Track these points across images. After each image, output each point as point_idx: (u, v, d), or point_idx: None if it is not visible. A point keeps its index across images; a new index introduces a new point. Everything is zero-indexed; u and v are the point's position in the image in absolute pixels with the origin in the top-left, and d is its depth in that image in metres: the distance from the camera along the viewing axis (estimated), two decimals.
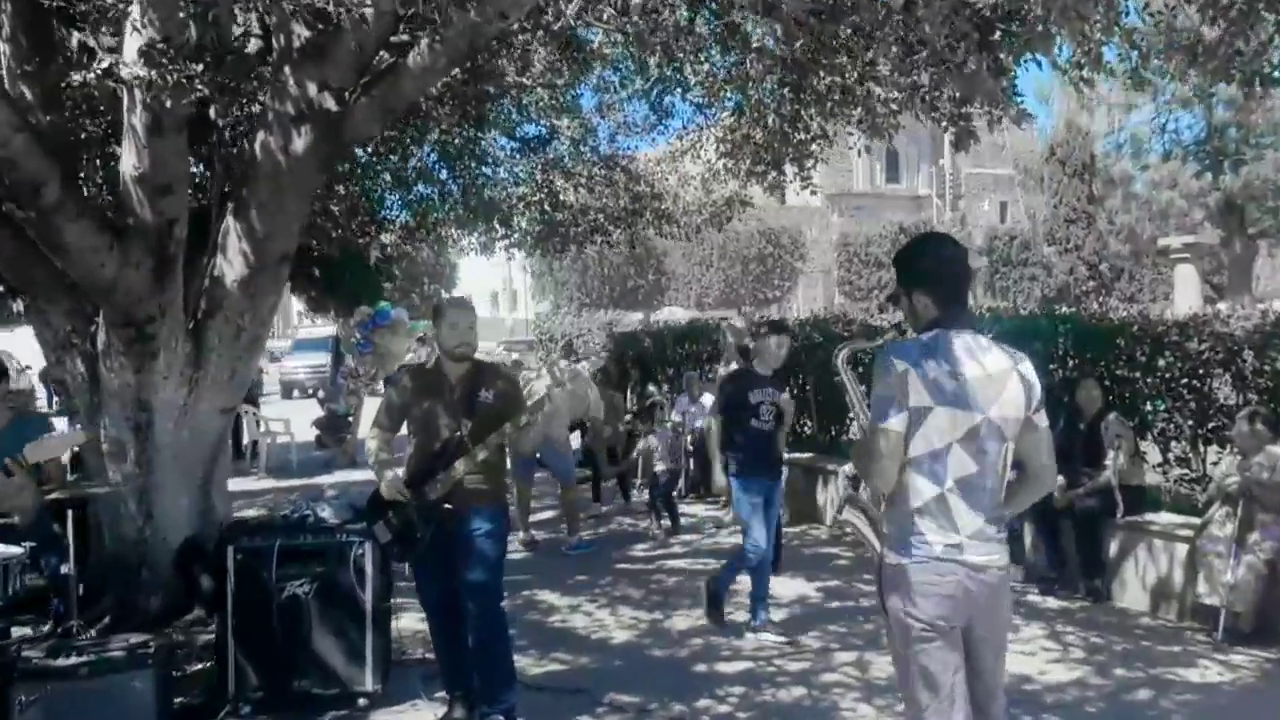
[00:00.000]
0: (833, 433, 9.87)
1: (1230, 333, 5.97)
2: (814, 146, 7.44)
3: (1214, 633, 5.30)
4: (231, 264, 5.24)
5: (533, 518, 7.99)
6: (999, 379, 2.54)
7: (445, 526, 3.95)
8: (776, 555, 6.80)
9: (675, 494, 8.98)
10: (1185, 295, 17.05)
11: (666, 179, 9.48)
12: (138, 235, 4.86)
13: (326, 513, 4.55)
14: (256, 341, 5.55)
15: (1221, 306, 7.77)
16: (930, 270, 2.64)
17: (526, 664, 4.91)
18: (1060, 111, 29.50)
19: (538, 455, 7.77)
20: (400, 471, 4.04)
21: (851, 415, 3.11)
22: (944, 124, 6.33)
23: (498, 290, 48.47)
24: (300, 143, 4.91)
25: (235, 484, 7.39)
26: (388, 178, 8.89)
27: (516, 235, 10.42)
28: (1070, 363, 7.06)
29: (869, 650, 5.03)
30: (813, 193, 7.84)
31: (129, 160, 4.72)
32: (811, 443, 9.64)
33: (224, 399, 5.50)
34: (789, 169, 7.77)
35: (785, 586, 6.36)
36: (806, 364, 9.51)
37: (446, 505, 3.94)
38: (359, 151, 7.92)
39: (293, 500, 5.49)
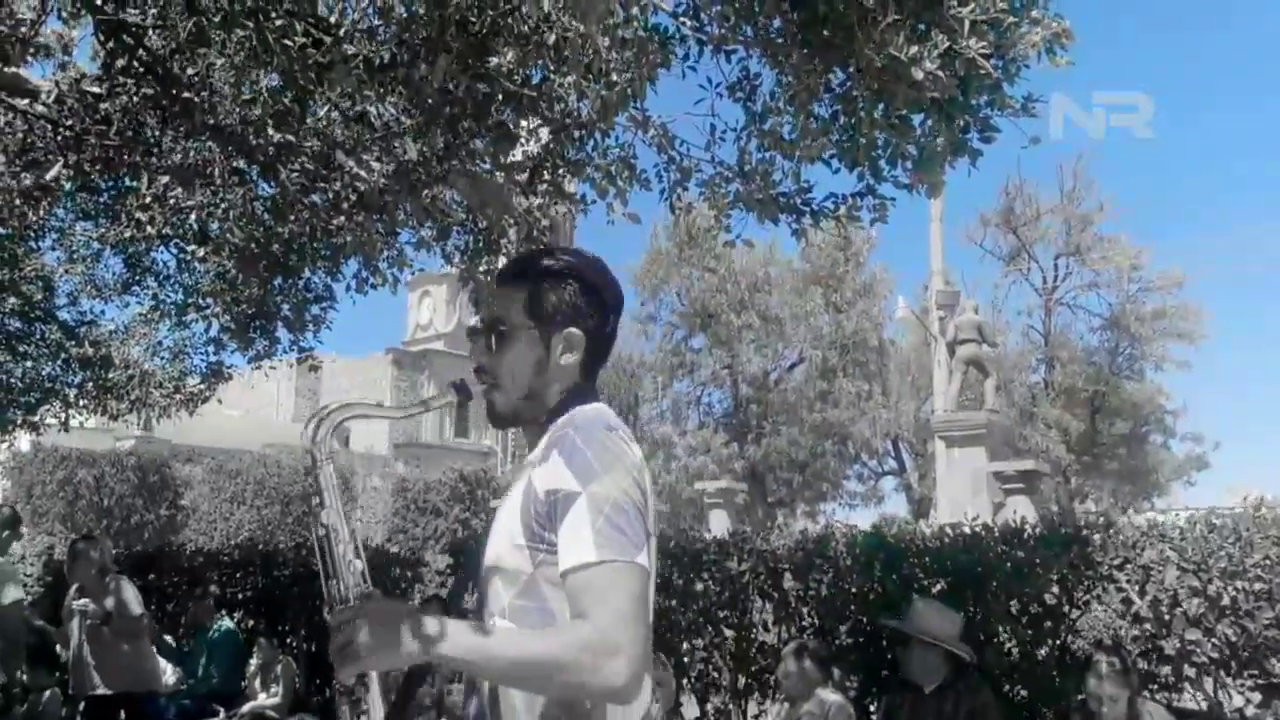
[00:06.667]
0: None
1: (771, 550, 5.17)
2: (314, 308, 5.97)
3: None
4: None
5: None
6: None
7: None
8: None
9: None
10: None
11: (126, 345, 7.27)
12: None
13: None
14: None
15: None
16: (611, 306, 1.60)
17: None
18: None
19: None
20: None
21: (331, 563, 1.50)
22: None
23: None
24: None
25: None
26: None
27: None
28: None
29: None
30: (313, 368, 6.24)
31: None
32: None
33: None
34: (282, 334, 6.16)
35: None
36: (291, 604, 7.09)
37: None
38: None
39: None
